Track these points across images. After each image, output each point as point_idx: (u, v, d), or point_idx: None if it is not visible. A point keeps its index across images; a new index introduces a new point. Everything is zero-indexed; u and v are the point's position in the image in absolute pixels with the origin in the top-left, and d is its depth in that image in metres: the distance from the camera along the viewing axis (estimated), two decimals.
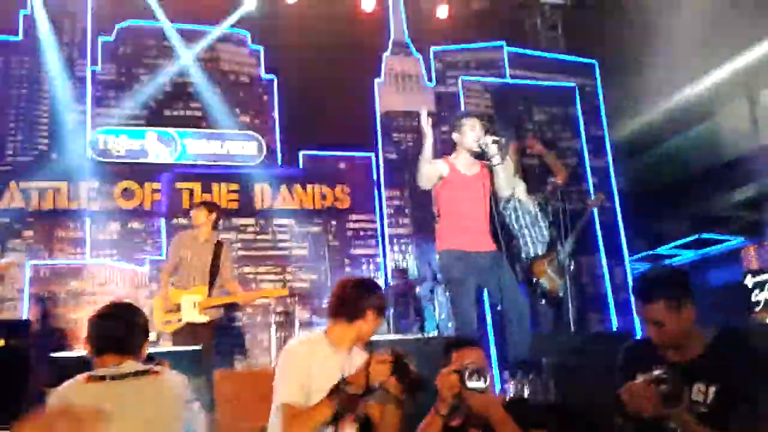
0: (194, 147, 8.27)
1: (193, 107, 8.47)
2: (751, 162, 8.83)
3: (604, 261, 8.53)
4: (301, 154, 8.58)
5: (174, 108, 8.43)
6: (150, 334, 3.19)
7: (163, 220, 7.91)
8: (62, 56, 8.12)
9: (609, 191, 8.81)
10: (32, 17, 8.15)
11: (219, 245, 6.11)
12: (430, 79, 9.26)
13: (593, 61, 9.56)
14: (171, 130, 8.22)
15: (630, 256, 8.71)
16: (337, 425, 2.74)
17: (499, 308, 5.08)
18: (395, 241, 8.57)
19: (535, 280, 6.04)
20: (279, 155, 8.61)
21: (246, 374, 5.56)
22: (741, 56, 8.78)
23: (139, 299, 7.06)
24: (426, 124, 4.60)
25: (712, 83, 9.04)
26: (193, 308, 5.79)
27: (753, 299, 6.83)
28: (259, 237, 8.27)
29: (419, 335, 6.69)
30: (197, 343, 5.36)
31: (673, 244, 8.50)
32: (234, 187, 8.23)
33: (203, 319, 5.80)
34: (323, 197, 8.51)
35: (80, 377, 2.75)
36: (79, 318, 6.87)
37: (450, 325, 6.47)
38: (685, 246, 8.35)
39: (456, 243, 4.72)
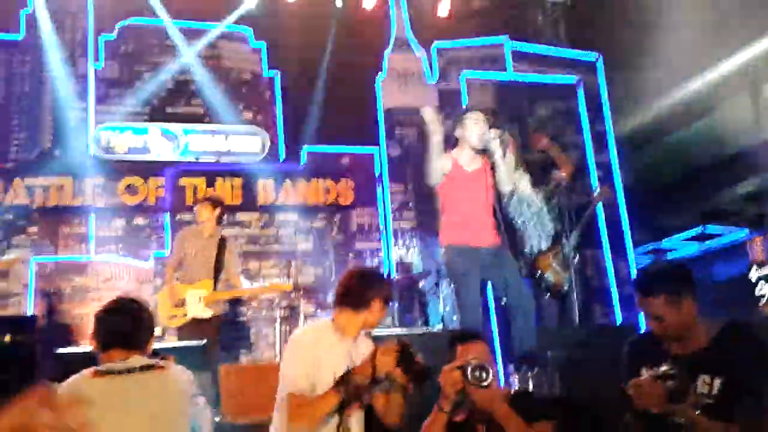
0: (197, 143, 8.28)
1: (196, 104, 8.48)
2: (753, 155, 8.81)
3: (608, 254, 8.52)
4: (304, 149, 8.59)
5: (176, 105, 8.45)
6: (155, 329, 3.21)
7: (167, 216, 7.93)
8: (64, 54, 8.13)
9: (612, 185, 8.79)
10: (34, 16, 8.16)
11: (223, 240, 6.12)
12: (432, 76, 9.25)
13: (596, 55, 9.53)
14: (174, 127, 8.23)
15: (634, 249, 8.71)
16: (342, 415, 2.75)
17: (503, 302, 5.09)
18: (399, 235, 8.57)
19: (539, 274, 6.05)
20: (282, 151, 8.62)
21: (251, 369, 5.56)
22: (743, 50, 8.76)
23: (144, 294, 7.07)
24: (432, 120, 4.59)
25: (714, 77, 9.02)
26: (198, 303, 5.80)
27: (757, 292, 6.82)
28: (262, 232, 8.28)
29: (424, 329, 6.70)
30: (202, 337, 5.38)
31: (676, 237, 8.48)
32: (237, 182, 8.23)
33: (208, 313, 5.82)
34: (327, 192, 8.52)
35: (86, 372, 2.76)
36: (84, 314, 6.88)
37: (454, 318, 6.48)
38: (689, 239, 8.33)
39: (459, 237, 4.72)
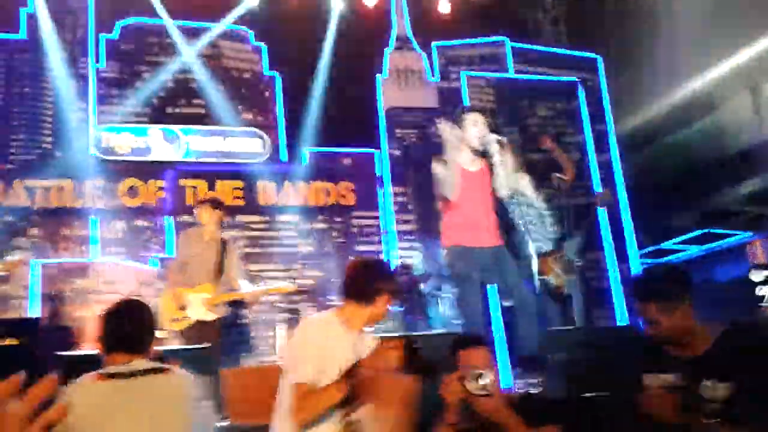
0: (198, 144, 8.28)
1: (196, 104, 8.48)
2: (755, 155, 8.80)
3: (610, 256, 8.52)
4: (305, 150, 8.57)
5: (177, 105, 8.44)
6: (157, 333, 3.20)
7: (168, 218, 7.91)
8: (65, 54, 8.12)
9: (614, 186, 8.79)
10: (35, 16, 8.15)
11: (224, 243, 6.09)
12: (432, 75, 9.24)
13: (596, 55, 9.53)
14: (175, 128, 8.22)
15: (636, 251, 8.70)
16: (346, 408, 2.74)
17: (506, 304, 5.09)
18: (401, 237, 8.56)
19: (541, 276, 6.04)
20: (283, 152, 8.61)
21: (254, 371, 5.55)
22: (745, 49, 8.75)
23: (146, 297, 7.06)
24: (449, 136, 4.57)
25: (715, 76, 9.01)
26: (200, 306, 5.78)
27: (757, 293, 6.81)
28: (263, 234, 8.27)
29: (426, 331, 6.69)
30: (204, 340, 5.36)
31: (679, 239, 8.47)
32: (238, 184, 8.24)
33: (210, 316, 5.79)
34: (327, 194, 8.51)
35: (89, 375, 2.75)
36: (86, 316, 6.87)
37: (456, 320, 6.47)
38: (692, 241, 8.32)
39: (460, 239, 4.71)
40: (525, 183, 6.23)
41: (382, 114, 8.97)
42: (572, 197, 6.29)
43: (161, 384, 2.78)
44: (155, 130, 8.15)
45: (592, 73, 9.58)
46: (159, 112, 8.31)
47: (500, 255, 4.76)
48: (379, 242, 8.50)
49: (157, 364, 2.86)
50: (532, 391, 4.33)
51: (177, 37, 8.48)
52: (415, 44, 9.39)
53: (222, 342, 6.11)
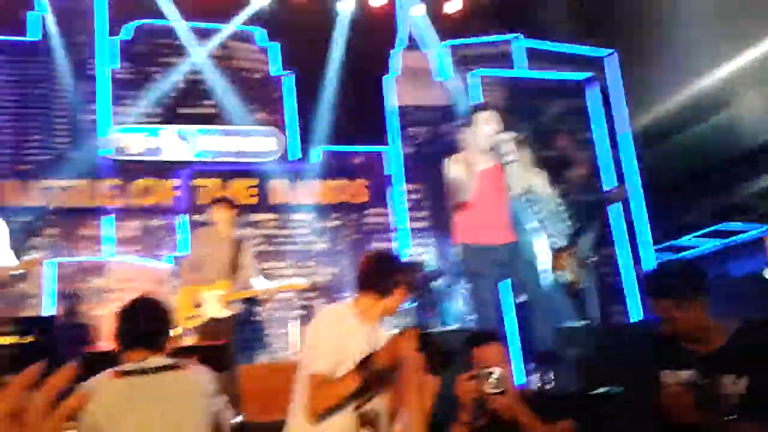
0: (211, 144, 8.32)
1: (208, 104, 8.52)
2: None
3: (625, 252, 8.49)
4: (317, 149, 8.59)
5: (188, 105, 8.48)
6: (172, 330, 3.21)
7: (182, 217, 7.97)
8: (77, 56, 8.19)
9: (627, 182, 8.76)
10: (47, 19, 8.22)
11: (239, 241, 6.13)
12: (443, 74, 9.23)
13: (608, 52, 9.49)
14: (188, 128, 8.26)
15: (651, 246, 8.66)
16: (361, 399, 2.74)
17: (521, 300, 5.07)
18: (413, 234, 8.57)
19: (555, 272, 6.02)
20: (295, 151, 8.63)
21: (269, 368, 5.58)
22: (758, 44, 8.69)
23: (160, 295, 7.09)
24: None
25: (729, 72, 8.95)
26: (216, 303, 5.82)
27: None
28: (277, 232, 8.30)
29: (439, 329, 6.68)
30: (219, 338, 5.40)
31: (693, 235, 8.41)
32: (252, 182, 8.28)
33: (225, 314, 5.83)
34: (340, 192, 8.53)
35: (106, 373, 2.77)
36: (102, 314, 6.93)
37: (470, 318, 6.46)
38: (706, 236, 8.25)
39: (473, 236, 4.70)
40: (539, 179, 6.23)
41: (393, 112, 8.97)
42: (586, 193, 6.27)
43: (177, 381, 2.80)
44: (168, 130, 8.20)
45: (604, 69, 9.54)
46: (171, 113, 8.36)
47: (514, 251, 4.74)
48: (392, 239, 8.51)
49: (173, 361, 2.88)
50: (547, 387, 4.31)
51: (188, 38, 8.52)
52: (425, 43, 9.38)
53: (236, 339, 6.15)
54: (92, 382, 2.75)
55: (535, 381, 4.44)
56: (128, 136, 8.06)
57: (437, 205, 8.32)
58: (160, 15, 8.45)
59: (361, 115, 8.65)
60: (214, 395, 2.89)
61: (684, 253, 8.36)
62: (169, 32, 8.56)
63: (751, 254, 7.19)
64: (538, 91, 9.22)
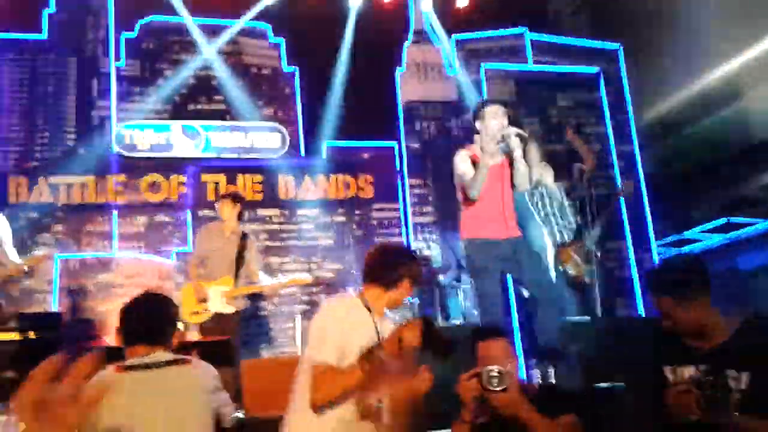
0: (218, 140, 8.34)
1: (217, 100, 8.53)
2: None
3: (631, 246, 8.46)
4: (324, 144, 8.60)
5: (197, 102, 8.50)
6: (178, 325, 3.23)
7: (189, 213, 8.00)
8: (86, 53, 8.23)
9: (635, 176, 8.73)
10: (56, 16, 8.26)
11: (244, 236, 6.15)
12: (452, 68, 9.21)
13: (617, 45, 9.44)
14: (195, 124, 8.29)
15: (658, 240, 8.63)
16: (364, 391, 2.74)
17: (526, 295, 5.05)
18: (419, 229, 8.57)
19: (560, 266, 6.01)
20: (302, 146, 8.64)
21: (273, 363, 5.58)
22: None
23: (167, 291, 7.14)
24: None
25: (738, 65, 8.88)
26: (220, 299, 5.84)
27: None
28: (283, 227, 8.32)
29: (445, 323, 6.69)
30: (224, 333, 5.43)
31: (700, 228, 8.37)
32: (258, 178, 8.30)
33: (230, 309, 5.86)
34: (347, 187, 8.54)
35: (111, 367, 2.79)
36: (108, 310, 6.97)
37: (475, 313, 6.47)
38: (714, 230, 8.21)
39: (479, 231, 4.68)
40: (547, 174, 6.22)
41: (400, 107, 8.97)
42: (593, 187, 6.25)
43: (182, 375, 2.81)
44: (176, 126, 8.23)
45: (613, 63, 9.49)
46: (180, 109, 8.38)
47: (519, 246, 4.72)
48: (399, 234, 8.50)
49: (178, 356, 2.89)
50: (550, 381, 4.31)
51: (197, 34, 8.53)
52: (434, 37, 9.36)
53: (241, 334, 6.18)
54: (96, 376, 2.76)
55: (538, 375, 4.43)
56: (137, 132, 8.09)
57: (443, 200, 8.33)
58: (169, 12, 8.47)
59: (368, 109, 8.64)
60: (216, 390, 2.90)
61: (691, 246, 8.34)
62: (179, 29, 8.58)
63: (759, 248, 7.16)
64: (546, 84, 9.19)
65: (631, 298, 8.17)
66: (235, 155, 8.35)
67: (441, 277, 7.31)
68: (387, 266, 2.99)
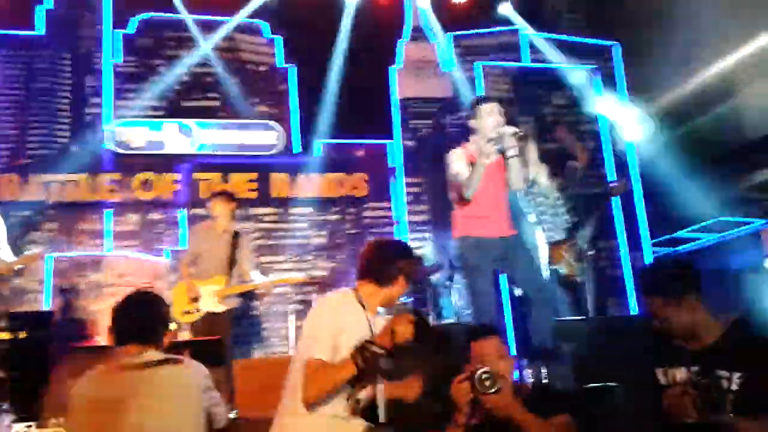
0: (212, 137, 8.32)
1: (211, 97, 8.51)
2: None
3: (623, 245, 8.48)
4: (318, 142, 8.58)
5: (192, 98, 8.48)
6: (170, 324, 3.22)
7: (182, 211, 7.97)
8: (81, 50, 8.19)
9: (629, 174, 8.74)
10: (51, 11, 8.22)
11: (237, 235, 6.13)
12: (447, 65, 9.20)
13: (613, 43, 9.45)
14: (189, 121, 8.26)
15: (650, 239, 8.64)
16: (355, 387, 2.74)
17: (519, 294, 5.04)
18: (413, 228, 8.57)
19: (552, 265, 6.01)
20: (297, 144, 8.62)
21: (265, 363, 5.59)
22: (763, 35, 8.62)
23: (159, 289, 7.12)
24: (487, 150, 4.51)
25: (733, 63, 8.88)
26: (212, 298, 5.82)
27: None
28: (277, 226, 8.30)
29: (437, 322, 6.69)
30: (216, 332, 5.41)
31: (692, 228, 8.39)
32: (252, 176, 8.27)
33: (222, 308, 5.84)
34: (341, 185, 8.52)
35: (102, 367, 2.79)
36: (99, 309, 6.95)
37: (467, 312, 6.46)
38: (706, 229, 8.23)
39: (472, 230, 4.66)
40: (541, 172, 6.20)
41: (396, 105, 8.95)
42: (586, 186, 6.24)
43: (173, 375, 2.81)
44: (170, 123, 8.20)
45: (608, 60, 9.51)
46: (174, 106, 8.36)
47: (513, 245, 4.71)
48: (392, 233, 8.50)
49: (170, 356, 2.89)
50: (543, 381, 4.31)
51: (193, 31, 8.51)
52: (429, 34, 9.35)
53: (233, 334, 6.16)
54: (88, 376, 2.76)
55: (531, 375, 4.43)
56: (131, 129, 8.07)
57: (437, 199, 8.31)
58: (165, 8, 8.44)
59: (363, 107, 8.63)
60: (208, 390, 2.90)
61: (683, 246, 8.35)
62: (174, 25, 8.55)
63: (750, 247, 7.18)
64: (542, 82, 9.19)
65: (624, 297, 8.19)
66: (228, 153, 8.32)
67: (434, 277, 7.31)
68: (382, 262, 2.98)
